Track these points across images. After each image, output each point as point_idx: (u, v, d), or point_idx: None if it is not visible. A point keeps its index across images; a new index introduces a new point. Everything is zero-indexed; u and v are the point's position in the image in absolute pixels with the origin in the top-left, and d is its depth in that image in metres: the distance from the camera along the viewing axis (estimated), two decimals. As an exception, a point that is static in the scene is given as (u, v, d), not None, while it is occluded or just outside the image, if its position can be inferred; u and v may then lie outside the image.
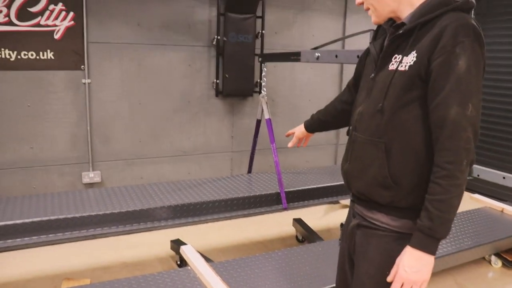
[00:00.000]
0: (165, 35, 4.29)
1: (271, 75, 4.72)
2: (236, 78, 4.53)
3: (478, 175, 4.63)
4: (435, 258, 1.53)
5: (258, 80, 4.65)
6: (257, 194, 3.59)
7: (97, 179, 4.21)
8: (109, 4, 4.01)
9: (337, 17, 5.22)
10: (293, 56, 3.37)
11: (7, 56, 3.71)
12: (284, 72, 4.96)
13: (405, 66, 1.50)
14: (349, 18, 5.23)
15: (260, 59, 3.99)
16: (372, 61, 1.71)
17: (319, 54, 3.06)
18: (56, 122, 4.00)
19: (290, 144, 2.50)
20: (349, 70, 5.12)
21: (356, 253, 1.73)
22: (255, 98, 4.73)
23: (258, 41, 4.65)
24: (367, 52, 1.85)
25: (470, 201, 4.25)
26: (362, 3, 1.66)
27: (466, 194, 4.95)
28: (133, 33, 4.16)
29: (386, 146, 1.55)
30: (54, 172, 4.07)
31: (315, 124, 2.35)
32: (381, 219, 1.63)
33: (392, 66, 1.56)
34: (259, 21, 4.62)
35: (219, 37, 4.45)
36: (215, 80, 4.55)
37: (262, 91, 3.83)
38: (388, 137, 1.55)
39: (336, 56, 2.88)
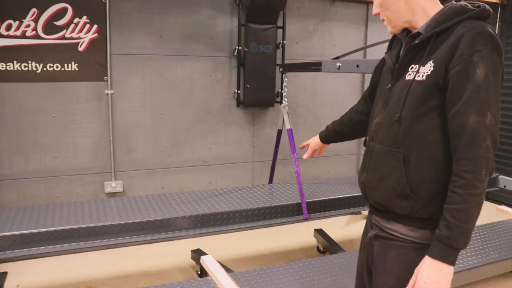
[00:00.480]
0: (186, 46, 4.33)
1: (292, 84, 4.72)
2: (257, 88, 4.54)
3: (504, 186, 4.53)
4: (461, 271, 1.51)
5: (279, 90, 4.65)
6: (278, 204, 3.57)
7: (119, 188, 4.25)
8: (131, 16, 4.08)
9: (359, 26, 5.20)
10: (314, 66, 3.36)
11: (34, 69, 3.79)
12: (305, 82, 4.95)
13: (422, 76, 1.50)
14: (371, 27, 5.21)
15: (281, 69, 4.00)
16: (388, 71, 1.71)
17: (340, 64, 3.05)
18: (79, 132, 4.06)
19: (305, 156, 2.54)
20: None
21: (374, 264, 1.72)
22: (276, 108, 4.73)
23: (279, 51, 4.66)
24: (382, 62, 1.84)
25: (496, 213, 4.16)
26: (379, 14, 1.67)
27: (492, 206, 4.90)
28: (155, 44, 4.22)
29: (404, 156, 1.54)
30: (77, 181, 4.13)
31: (330, 135, 2.37)
32: (400, 229, 1.62)
33: (409, 76, 1.56)
34: (280, 31, 4.63)
35: (240, 48, 4.47)
36: (236, 90, 4.57)
37: (283, 101, 3.83)
38: (406, 147, 1.54)
39: (358, 66, 2.87)
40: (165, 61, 4.27)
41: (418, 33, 1.56)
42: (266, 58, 4.53)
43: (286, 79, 3.90)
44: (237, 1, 4.43)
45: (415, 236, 1.58)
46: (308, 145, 2.54)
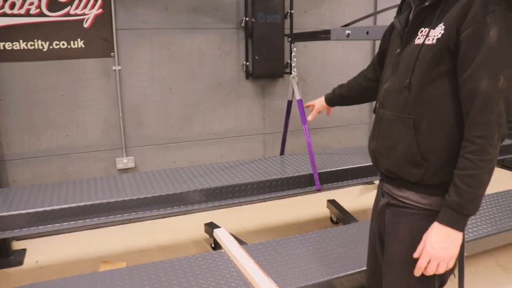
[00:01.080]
0: (193, 18, 4.27)
1: (301, 55, 4.65)
2: (266, 60, 4.48)
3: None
4: (476, 239, 1.50)
5: (288, 61, 4.59)
6: (290, 176, 3.56)
7: (131, 164, 4.27)
8: (136, -11, 4.02)
9: (368, -6, 5.08)
10: (323, 35, 3.29)
11: (40, 47, 3.76)
12: (315, 52, 4.87)
13: (432, 39, 1.46)
14: (381, -6, 5.08)
15: (289, 39, 3.93)
16: (397, 36, 1.67)
17: (350, 32, 2.98)
18: (89, 109, 4.06)
19: (310, 118, 2.57)
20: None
21: (386, 233, 1.71)
22: (286, 79, 4.67)
23: (287, 21, 4.57)
24: (391, 27, 1.80)
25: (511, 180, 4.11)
26: None
27: (507, 173, 4.86)
28: (161, 18, 4.15)
29: (414, 123, 1.51)
30: (89, 158, 4.15)
31: (337, 99, 2.38)
32: (411, 197, 1.60)
33: (418, 40, 1.51)
34: (287, 0, 4.53)
35: (247, 19, 4.39)
36: (245, 62, 4.51)
37: (293, 72, 3.77)
38: (416, 113, 1.51)
39: (367, 33, 2.80)
40: (172, 34, 4.22)
41: None
42: (274, 28, 4.45)
43: (295, 49, 3.83)
44: (243, -29, 4.33)
45: (426, 203, 1.57)
46: (313, 106, 2.57)
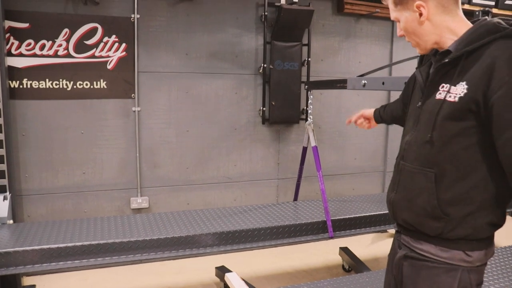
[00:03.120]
0: (212, 64, 4.39)
1: (317, 102, 4.72)
2: (283, 106, 4.56)
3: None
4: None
5: (304, 107, 4.66)
6: (303, 222, 3.55)
7: (145, 204, 4.29)
8: (159, 35, 4.16)
9: (384, 43, 5.18)
10: (339, 84, 3.36)
11: (64, 86, 3.89)
12: (330, 99, 4.94)
13: (455, 97, 1.46)
14: (396, 43, 5.18)
15: (306, 86, 4.01)
16: (418, 89, 1.68)
17: (366, 81, 3.04)
18: (107, 149, 4.13)
19: (353, 118, 2.58)
20: (396, 96, 5.02)
21: (404, 285, 1.68)
22: (301, 125, 4.73)
23: (304, 69, 4.68)
24: (414, 77, 1.81)
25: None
26: (404, 36, 1.66)
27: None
28: (182, 62, 4.28)
29: (436, 176, 1.51)
30: (104, 197, 4.19)
31: (381, 121, 2.41)
32: (430, 250, 1.58)
33: (439, 95, 1.52)
34: (305, 48, 4.65)
35: (265, 65, 4.51)
36: (261, 108, 4.59)
37: (309, 119, 3.83)
38: (438, 167, 1.51)
39: (383, 83, 2.85)
40: (191, 78, 4.33)
41: (448, 51, 1.53)
42: (291, 75, 4.55)
43: (311, 96, 3.91)
44: (263, 20, 4.47)
45: (447, 256, 1.54)
46: (358, 116, 2.57)
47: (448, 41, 1.55)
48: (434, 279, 1.56)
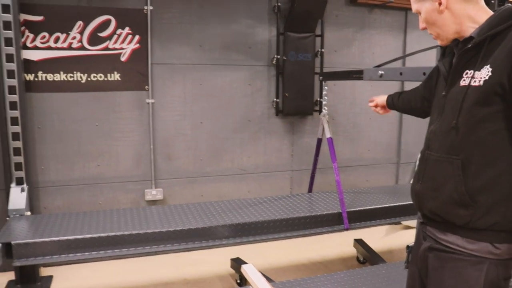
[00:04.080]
0: (226, 55, 4.37)
1: (330, 93, 4.68)
2: (296, 97, 4.54)
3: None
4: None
5: (318, 99, 4.63)
6: (318, 214, 3.54)
7: (159, 196, 4.31)
8: (172, 27, 4.15)
9: (398, 34, 5.13)
10: (355, 75, 3.33)
11: (79, 79, 3.90)
12: (344, 90, 4.91)
13: (479, 81, 1.46)
14: (410, 34, 5.13)
15: (321, 77, 3.98)
16: (442, 79, 1.68)
17: (383, 72, 3.01)
18: (121, 141, 4.14)
19: (371, 104, 2.62)
20: (410, 87, 4.98)
21: (429, 278, 1.66)
22: (315, 116, 4.71)
23: (317, 60, 4.65)
24: (437, 70, 1.81)
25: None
26: (426, 28, 1.67)
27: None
28: (195, 54, 4.27)
29: (462, 163, 1.50)
30: (119, 189, 4.21)
31: (394, 107, 2.43)
32: (456, 241, 1.56)
33: (463, 82, 1.52)
34: (318, 39, 4.62)
35: (278, 56, 4.48)
36: (275, 99, 4.57)
37: (323, 110, 3.81)
38: (464, 153, 1.50)
39: (401, 74, 2.82)
40: (204, 70, 4.33)
41: (471, 37, 1.53)
42: (304, 66, 4.53)
43: (326, 87, 3.88)
44: (276, 10, 4.44)
45: (473, 248, 1.52)
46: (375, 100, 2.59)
47: (469, 29, 1.55)
48: (460, 272, 1.54)
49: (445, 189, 1.56)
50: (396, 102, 2.38)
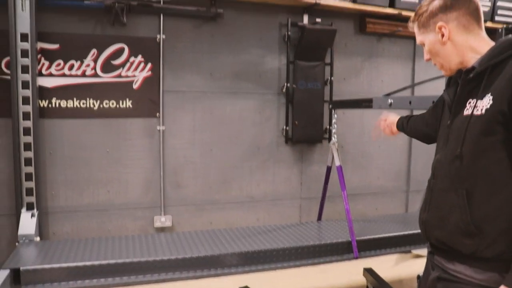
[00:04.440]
0: (236, 84, 4.43)
1: (340, 121, 4.69)
2: (306, 125, 4.56)
3: None
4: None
5: (327, 127, 4.65)
6: (327, 242, 3.52)
7: (168, 223, 4.30)
8: (183, 55, 4.22)
9: (406, 62, 5.18)
10: (365, 103, 3.36)
11: (91, 106, 3.96)
12: (353, 119, 4.93)
13: (481, 110, 1.48)
14: (418, 62, 5.17)
15: (330, 106, 4.00)
16: (447, 109, 1.71)
17: (392, 101, 3.03)
18: (131, 168, 4.17)
19: (379, 123, 2.63)
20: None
21: None
22: (324, 144, 4.72)
23: (327, 88, 4.68)
24: (442, 100, 1.83)
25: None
26: (431, 59, 1.72)
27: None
28: (206, 82, 4.33)
29: (467, 192, 1.51)
30: (128, 215, 4.21)
31: (403, 131, 2.41)
32: (464, 271, 1.55)
33: (467, 111, 1.54)
34: (327, 68, 4.67)
35: (288, 85, 4.52)
36: (284, 127, 4.59)
37: (333, 138, 3.82)
38: (469, 183, 1.51)
39: (410, 103, 2.84)
40: (215, 98, 4.37)
41: (473, 68, 1.56)
42: (314, 95, 4.56)
43: (335, 115, 3.91)
44: (286, 40, 4.51)
45: (482, 278, 1.51)
46: (385, 120, 2.57)
47: (472, 60, 1.59)
48: None
49: (450, 218, 1.56)
50: (406, 126, 2.39)
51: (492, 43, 1.58)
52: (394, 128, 2.49)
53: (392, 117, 2.55)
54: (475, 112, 1.50)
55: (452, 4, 1.59)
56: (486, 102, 1.47)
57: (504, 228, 1.46)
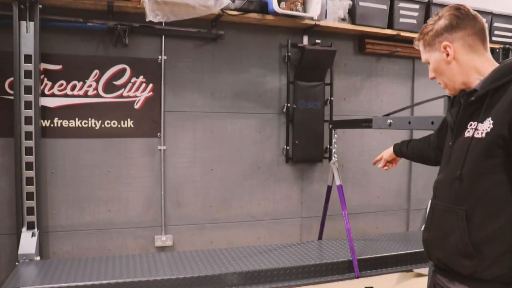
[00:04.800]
0: (237, 103, 4.47)
1: (340, 141, 4.73)
2: (306, 144, 4.58)
3: None
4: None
5: (328, 146, 4.68)
6: (328, 261, 3.52)
7: (169, 242, 4.29)
8: (185, 75, 4.27)
9: (405, 81, 5.22)
10: (365, 123, 3.39)
11: (93, 125, 3.99)
12: (353, 138, 4.95)
13: (482, 133, 1.49)
14: (417, 81, 5.22)
15: (331, 126, 4.03)
16: (450, 129, 1.72)
17: (392, 121, 3.06)
18: (132, 187, 4.18)
19: (380, 165, 2.58)
20: (419, 134, 5.00)
21: None
22: (325, 164, 4.74)
23: (327, 108, 4.72)
24: (446, 120, 1.84)
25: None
26: (435, 78, 1.73)
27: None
28: (207, 102, 4.37)
29: (466, 213, 1.51)
30: (128, 234, 4.21)
31: (403, 155, 2.43)
32: None
33: (468, 134, 1.55)
34: (327, 88, 4.71)
35: (289, 105, 4.56)
36: (285, 147, 4.61)
37: (333, 157, 3.85)
38: (468, 204, 1.51)
39: (409, 123, 2.87)
40: (215, 118, 4.41)
41: (474, 90, 1.58)
42: (314, 114, 4.60)
43: (335, 135, 3.94)
44: (286, 60, 4.56)
45: None
46: (381, 158, 2.59)
47: (475, 81, 1.60)
48: None
49: (450, 239, 1.57)
50: (405, 151, 2.40)
51: (496, 64, 1.59)
52: (393, 159, 2.51)
53: (387, 153, 2.57)
54: (475, 135, 1.51)
55: (458, 24, 1.60)
56: (486, 126, 1.48)
57: (503, 251, 1.46)
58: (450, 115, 1.72)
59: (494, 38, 5.11)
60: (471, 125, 1.56)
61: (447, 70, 1.65)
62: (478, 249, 1.49)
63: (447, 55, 1.62)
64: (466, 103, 1.61)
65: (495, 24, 5.11)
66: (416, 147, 2.31)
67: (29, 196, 3.64)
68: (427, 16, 4.77)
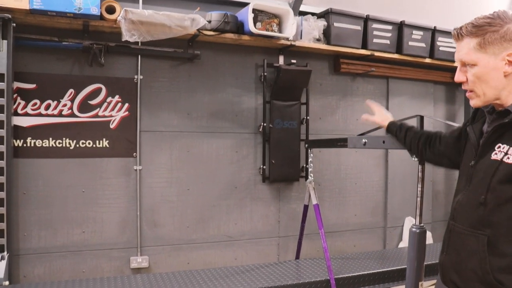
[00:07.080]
0: (213, 123, 4.47)
1: (316, 159, 4.77)
2: (282, 164, 4.60)
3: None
4: None
5: (304, 165, 4.70)
6: (306, 281, 3.50)
7: (145, 264, 4.22)
8: (161, 95, 4.26)
9: (380, 100, 5.28)
10: (340, 143, 3.42)
11: (67, 145, 3.93)
12: (330, 156, 4.99)
13: None
14: (392, 100, 5.31)
15: (306, 145, 4.06)
16: (471, 147, 1.61)
17: (366, 140, 3.10)
18: (107, 207, 4.11)
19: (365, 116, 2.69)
20: (394, 152, 5.10)
21: None
22: (301, 182, 4.75)
23: (303, 127, 4.76)
24: (462, 132, 1.74)
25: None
26: (464, 83, 1.55)
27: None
28: (183, 121, 4.36)
29: (489, 240, 1.44)
30: (103, 256, 4.13)
31: (396, 138, 2.42)
32: None
33: (495, 156, 1.46)
34: (303, 107, 4.76)
35: (265, 124, 4.58)
36: (261, 166, 4.62)
37: (309, 177, 3.86)
38: (491, 230, 1.44)
39: (384, 142, 2.91)
40: (192, 138, 4.39)
41: (507, 111, 1.47)
42: (290, 133, 4.63)
43: (311, 155, 3.96)
44: (262, 80, 4.59)
45: None
46: (371, 119, 2.63)
47: (509, 99, 1.49)
48: None
49: (468, 264, 1.50)
50: (399, 135, 2.36)
51: None
52: (385, 124, 2.52)
53: (379, 120, 2.59)
54: (505, 160, 1.42)
55: None
56: None
57: None
58: (472, 132, 1.62)
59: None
60: (499, 147, 1.47)
61: (495, 81, 1.48)
62: (498, 278, 1.42)
63: (509, 66, 1.46)
64: (497, 124, 1.50)
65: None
66: (415, 141, 2.25)
67: (-1, 218, 3.54)
68: (399, 36, 4.89)
